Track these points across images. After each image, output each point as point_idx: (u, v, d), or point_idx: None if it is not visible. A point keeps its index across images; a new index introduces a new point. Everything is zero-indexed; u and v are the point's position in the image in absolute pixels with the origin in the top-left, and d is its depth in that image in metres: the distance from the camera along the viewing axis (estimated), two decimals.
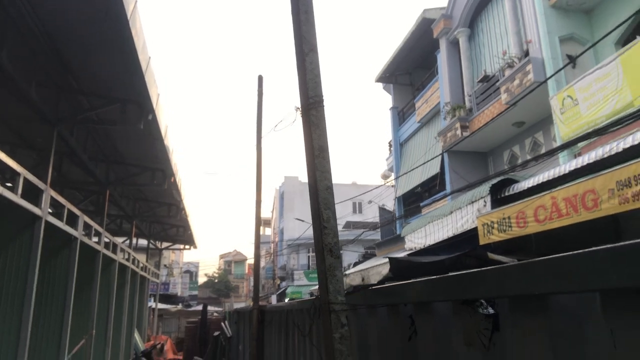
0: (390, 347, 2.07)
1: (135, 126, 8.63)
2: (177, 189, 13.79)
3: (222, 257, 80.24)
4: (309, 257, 45.81)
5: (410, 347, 1.84)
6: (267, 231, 62.24)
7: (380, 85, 23.42)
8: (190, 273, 61.88)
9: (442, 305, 1.51)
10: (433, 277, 1.59)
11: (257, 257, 10.82)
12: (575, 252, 0.95)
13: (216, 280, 67.03)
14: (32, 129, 9.28)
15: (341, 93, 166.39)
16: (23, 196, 7.18)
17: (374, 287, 2.82)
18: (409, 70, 21.90)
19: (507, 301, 1.22)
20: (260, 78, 11.78)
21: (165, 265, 44.64)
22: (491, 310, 1.26)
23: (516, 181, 10.55)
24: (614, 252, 0.92)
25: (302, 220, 25.02)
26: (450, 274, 1.47)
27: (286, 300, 42.36)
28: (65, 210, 9.10)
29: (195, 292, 58.90)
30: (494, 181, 10.75)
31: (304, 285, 38.55)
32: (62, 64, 7.65)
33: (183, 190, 14.26)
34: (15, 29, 6.64)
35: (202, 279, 67.00)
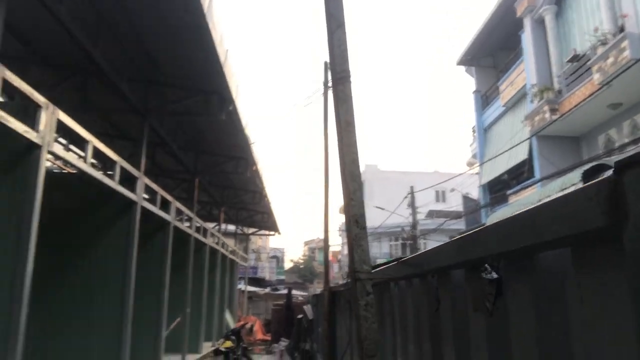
0: (422, 316, 2.13)
1: (218, 117, 9.13)
2: (259, 177, 14.37)
3: (306, 243, 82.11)
4: (390, 245, 45.59)
5: (436, 316, 1.88)
6: None
7: (462, 68, 22.60)
8: (277, 258, 64.01)
9: (458, 273, 1.54)
10: (445, 242, 1.62)
11: (327, 241, 11.08)
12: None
13: (301, 266, 68.82)
14: (127, 121, 10.14)
15: (423, 77, 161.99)
16: (121, 183, 7.92)
17: (402, 259, 2.86)
18: (492, 52, 20.91)
19: (504, 264, 1.23)
20: (326, 64, 11.86)
21: (253, 250, 46.69)
22: (495, 275, 1.27)
23: (611, 167, 9.79)
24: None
25: (382, 209, 24.90)
26: (456, 237, 1.49)
27: None
28: (159, 197, 9.89)
29: (282, 277, 60.95)
30: (587, 167, 10.06)
31: None
32: (150, 58, 8.27)
33: (264, 178, 14.83)
34: (106, 28, 7.30)
35: (288, 265, 69.16)
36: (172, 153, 11.79)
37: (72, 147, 11.49)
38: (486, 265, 1.30)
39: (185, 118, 10.41)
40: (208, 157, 13.32)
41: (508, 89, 17.78)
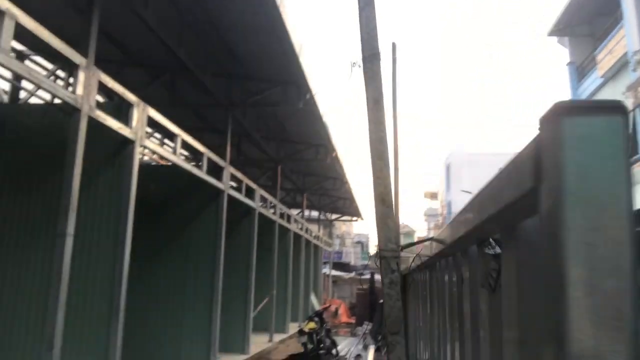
0: (449, 296, 2.10)
1: (296, 106, 9.33)
2: (339, 164, 14.51)
3: None
4: None
5: (459, 295, 1.85)
6: (435, 204, 61.19)
7: (554, 39, 21.00)
8: (362, 244, 64.30)
9: (473, 249, 1.49)
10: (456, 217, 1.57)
11: (397, 214, 10.85)
12: None
13: None
14: (213, 114, 10.68)
15: (510, 51, 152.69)
16: (208, 173, 8.41)
17: (435, 238, 2.77)
18: (588, 19, 19.21)
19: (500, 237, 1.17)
20: (393, 45, 11.58)
21: (337, 236, 47.30)
22: (498, 250, 1.21)
23: None
24: None
25: (469, 193, 24.07)
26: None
27: None
28: (244, 185, 10.37)
29: (367, 262, 61.09)
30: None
31: None
32: (231, 54, 8.63)
33: (344, 165, 14.94)
34: (189, 28, 7.71)
35: (373, 250, 69.25)
36: (256, 143, 12.25)
37: (166, 141, 12.35)
38: (490, 239, 1.27)
39: (266, 109, 10.75)
40: (289, 145, 13.69)
41: (607, 58, 16.30)
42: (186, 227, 8.98)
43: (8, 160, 6.31)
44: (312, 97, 9.36)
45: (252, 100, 9.48)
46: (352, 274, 37.06)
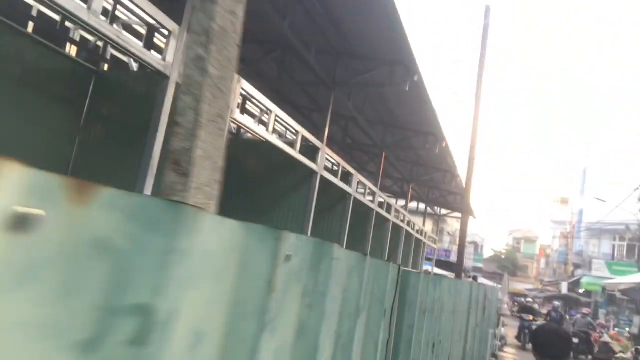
0: None
1: (401, 88, 8.74)
2: (450, 155, 13.57)
3: (511, 232, 76.52)
4: (613, 245, 39.24)
5: None
6: (564, 210, 55.92)
7: None
8: (475, 245, 61.22)
9: None
10: None
11: (463, 234, 9.76)
12: None
13: (503, 256, 64.49)
14: (319, 93, 10.48)
15: None
16: (302, 153, 8.23)
17: None
18: None
19: None
20: (487, 9, 10.29)
21: (448, 233, 45.39)
22: None
23: None
24: None
25: (604, 201, 21.36)
26: None
27: (580, 291, 37.39)
28: (340, 168, 10.06)
29: (479, 265, 58.19)
30: None
31: (603, 278, 33.23)
32: (338, 30, 8.28)
33: (455, 157, 13.95)
34: (295, 1, 7.48)
35: (488, 253, 65.65)
36: (361, 126, 11.86)
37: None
38: None
39: (371, 90, 10.29)
40: (397, 132, 13.08)
41: None
42: (276, 205, 8.94)
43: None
44: (420, 80, 8.69)
45: (358, 80, 9.07)
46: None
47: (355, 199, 10.88)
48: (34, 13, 7.03)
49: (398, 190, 20.28)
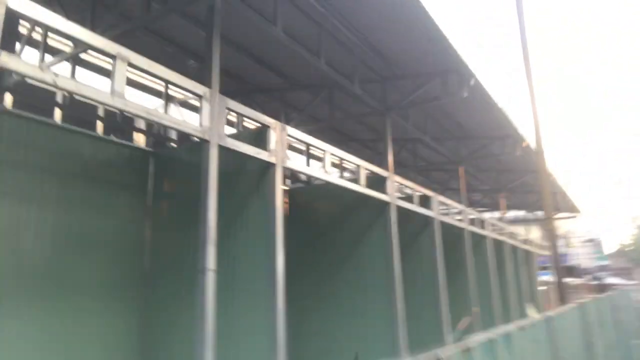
0: None
1: (458, 96, 8.17)
2: (534, 154, 12.43)
3: (634, 220, 68.94)
4: None
5: None
6: None
7: None
8: (594, 241, 55.80)
9: None
10: None
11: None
12: None
13: (629, 248, 57.95)
14: (374, 121, 10.13)
15: None
16: (369, 186, 7.83)
17: None
18: None
19: None
20: None
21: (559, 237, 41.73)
22: None
23: None
24: None
25: None
26: None
27: None
28: (416, 193, 9.49)
29: (605, 262, 52.72)
30: None
31: None
32: (378, 54, 7.99)
33: (541, 154, 12.74)
34: (328, 36, 7.33)
35: (612, 248, 59.45)
36: (428, 144, 11.28)
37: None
38: None
39: (428, 106, 9.76)
40: (469, 142, 12.29)
41: None
42: (355, 246, 8.52)
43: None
44: (477, 83, 8.08)
45: (409, 99, 8.64)
46: (583, 279, 32.15)
47: (440, 222, 10.18)
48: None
49: (489, 202, 19.00)
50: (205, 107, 5.04)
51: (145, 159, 7.17)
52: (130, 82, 9.01)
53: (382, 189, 8.27)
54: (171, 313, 6.29)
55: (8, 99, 7.09)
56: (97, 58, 7.92)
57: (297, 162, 6.63)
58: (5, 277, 5.31)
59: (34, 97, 7.05)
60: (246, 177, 6.04)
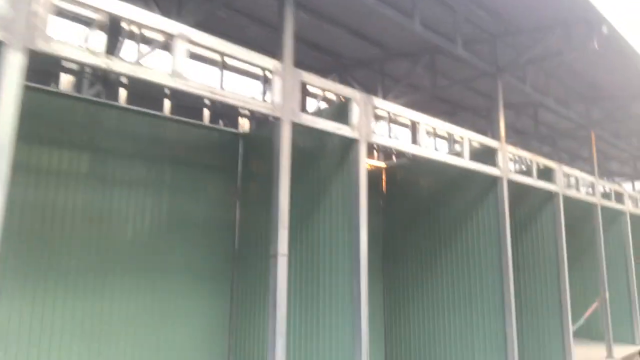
0: None
1: (588, 48, 6.82)
2: None
3: None
4: None
5: None
6: None
7: None
8: None
9: None
10: None
11: None
12: None
13: None
14: (485, 86, 8.99)
15: None
16: (477, 160, 6.92)
17: None
18: None
19: None
20: None
21: None
22: None
23: None
24: None
25: None
26: None
27: None
28: (535, 165, 8.28)
29: None
30: None
31: None
32: (486, 10, 6.94)
33: None
34: None
35: None
36: (552, 109, 9.82)
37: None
38: None
39: (550, 65, 8.39)
40: (603, 103, 10.48)
41: None
42: (461, 226, 7.69)
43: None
44: (611, 30, 6.66)
45: (525, 58, 7.45)
46: None
47: (564, 196, 8.84)
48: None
49: (630, 172, 16.44)
50: (277, 82, 4.63)
51: (235, 141, 7.08)
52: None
53: (492, 162, 7.29)
54: (258, 294, 6.20)
55: (122, 93, 7.45)
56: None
57: (383, 137, 5.97)
58: (107, 259, 5.55)
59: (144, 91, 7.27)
60: (328, 156, 5.60)
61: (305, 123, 4.85)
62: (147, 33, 7.88)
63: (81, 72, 7.15)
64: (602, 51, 7.07)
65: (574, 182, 9.55)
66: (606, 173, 17.11)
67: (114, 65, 3.57)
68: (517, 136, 12.42)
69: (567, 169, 9.16)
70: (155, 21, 3.90)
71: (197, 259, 6.32)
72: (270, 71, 4.65)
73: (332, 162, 5.55)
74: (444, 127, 6.54)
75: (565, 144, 14.41)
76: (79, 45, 5.08)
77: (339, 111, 5.39)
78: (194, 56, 8.25)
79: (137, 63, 3.86)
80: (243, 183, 6.91)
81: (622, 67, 8.28)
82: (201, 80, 4.17)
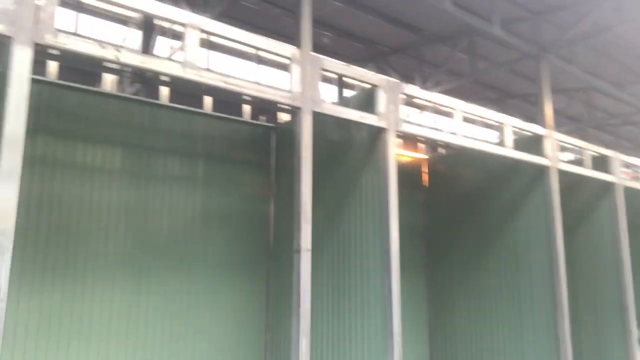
0: None
1: None
2: None
3: None
4: None
5: None
6: None
7: None
8: None
9: None
10: None
11: None
12: None
13: None
14: (530, 70, 8.43)
15: None
16: (520, 148, 6.46)
17: None
18: None
19: None
20: None
21: None
22: None
23: None
24: None
25: None
26: None
27: None
28: (588, 154, 7.66)
29: None
30: None
31: None
32: None
33: None
34: None
35: None
36: (607, 92, 9.10)
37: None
38: None
39: (600, 42, 7.74)
40: None
41: None
42: (507, 220, 7.21)
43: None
44: None
45: (570, 35, 6.91)
46: None
47: (626, 188, 8.14)
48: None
49: None
50: (295, 70, 4.46)
51: (267, 134, 6.97)
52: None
53: (539, 151, 6.80)
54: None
55: (164, 92, 7.54)
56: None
57: (414, 125, 5.62)
58: (146, 253, 5.57)
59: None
60: (357, 147, 5.36)
61: (327, 112, 4.64)
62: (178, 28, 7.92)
63: (121, 70, 7.28)
64: None
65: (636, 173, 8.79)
66: None
67: (122, 57, 3.52)
68: (572, 124, 11.66)
69: (626, 157, 8.43)
70: (166, 11, 3.82)
71: (232, 254, 6.22)
72: (289, 59, 4.48)
73: (361, 153, 5.31)
74: (482, 112, 6.12)
75: (626, 131, 13.38)
76: (89, 38, 5.12)
77: (366, 99, 5.15)
78: (225, 50, 8.26)
79: (148, 54, 3.80)
80: (276, 177, 6.79)
81: None
82: (219, 70, 4.06)
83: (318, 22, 7.26)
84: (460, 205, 7.91)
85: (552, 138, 6.96)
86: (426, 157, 8.72)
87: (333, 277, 5.38)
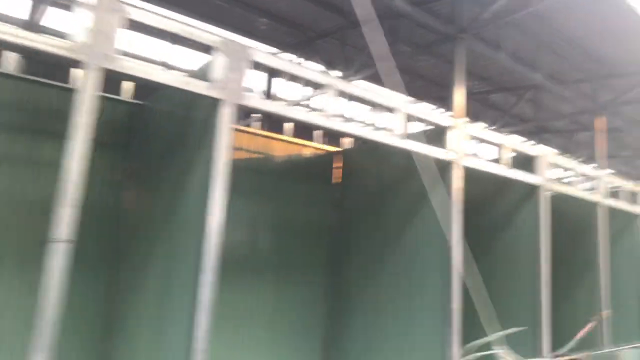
0: None
1: None
2: None
3: None
4: None
5: None
6: None
7: None
8: None
9: None
10: None
11: None
12: None
13: None
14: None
15: None
16: (424, 141, 5.64)
17: None
18: None
19: None
20: None
21: None
22: None
23: None
24: None
25: None
26: None
27: None
28: (505, 151, 6.81)
29: None
30: None
31: None
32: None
33: None
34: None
35: None
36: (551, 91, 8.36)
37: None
38: None
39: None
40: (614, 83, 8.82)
41: None
42: (407, 221, 6.35)
43: None
44: None
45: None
46: None
47: (551, 192, 7.34)
48: None
49: None
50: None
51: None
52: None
53: (442, 144, 5.97)
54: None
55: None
56: None
57: (260, 99, 4.71)
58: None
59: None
60: (193, 122, 4.49)
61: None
62: None
63: None
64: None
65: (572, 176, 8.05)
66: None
67: None
68: (522, 124, 10.90)
69: (558, 158, 7.65)
70: None
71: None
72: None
73: (198, 130, 4.41)
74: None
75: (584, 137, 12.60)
76: None
77: (205, 67, 4.28)
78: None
79: None
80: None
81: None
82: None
83: None
84: (369, 203, 7.05)
85: (461, 130, 6.10)
86: (339, 149, 7.85)
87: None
